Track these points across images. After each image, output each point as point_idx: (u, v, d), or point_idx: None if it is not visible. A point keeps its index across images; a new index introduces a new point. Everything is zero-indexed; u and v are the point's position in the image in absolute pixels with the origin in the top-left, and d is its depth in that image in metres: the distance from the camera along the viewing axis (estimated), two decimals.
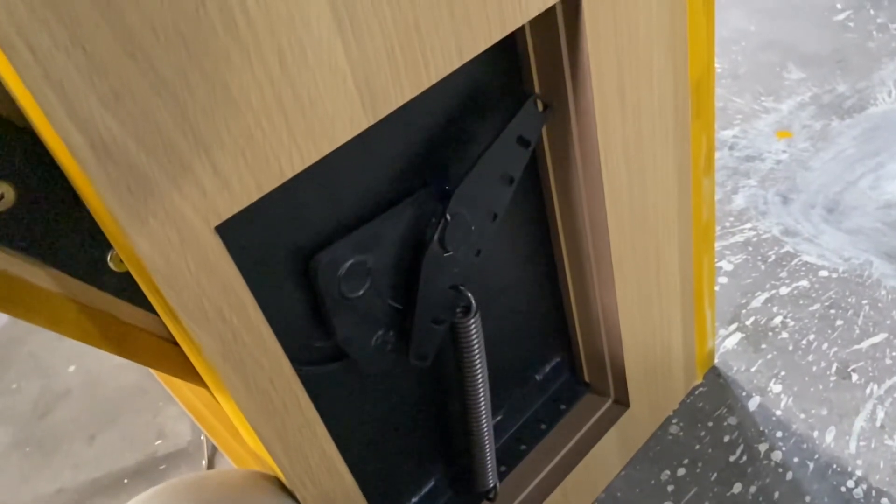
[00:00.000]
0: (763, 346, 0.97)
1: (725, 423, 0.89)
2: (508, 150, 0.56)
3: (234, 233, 0.44)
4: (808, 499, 0.80)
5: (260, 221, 0.47)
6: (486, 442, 0.68)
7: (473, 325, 0.60)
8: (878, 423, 0.85)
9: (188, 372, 0.53)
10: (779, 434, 0.86)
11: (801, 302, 1.01)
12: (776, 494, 0.81)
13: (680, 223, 0.74)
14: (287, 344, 0.46)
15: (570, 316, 0.77)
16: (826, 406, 0.88)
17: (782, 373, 0.93)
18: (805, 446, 0.85)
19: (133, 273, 0.43)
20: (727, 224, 1.16)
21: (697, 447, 0.87)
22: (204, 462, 1.01)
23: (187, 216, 0.36)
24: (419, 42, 0.42)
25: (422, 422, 0.69)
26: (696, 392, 0.93)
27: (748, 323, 1.00)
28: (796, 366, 0.93)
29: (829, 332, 0.97)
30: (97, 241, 0.45)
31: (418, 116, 0.53)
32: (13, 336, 1.32)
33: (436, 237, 0.54)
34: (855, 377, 0.91)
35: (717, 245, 1.12)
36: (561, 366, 0.82)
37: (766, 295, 1.03)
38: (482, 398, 0.64)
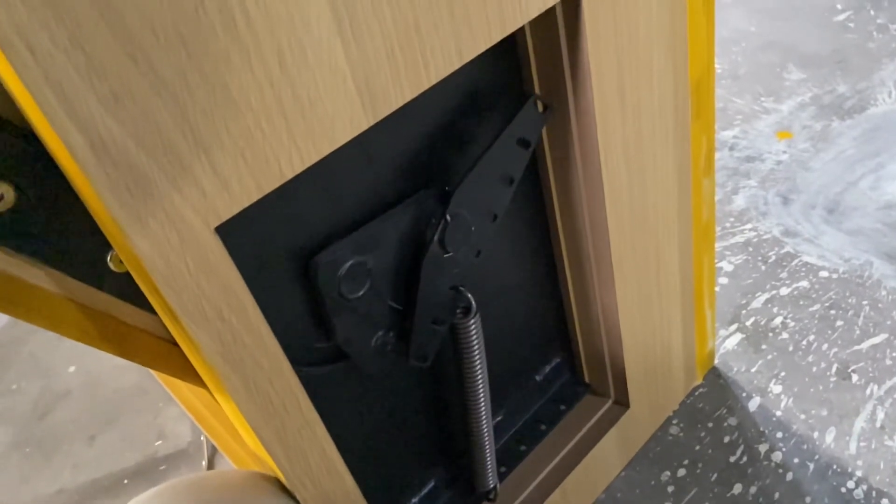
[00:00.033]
0: (763, 346, 0.97)
1: (725, 424, 0.89)
2: (508, 150, 0.56)
3: (234, 234, 0.44)
4: (808, 499, 0.80)
5: (260, 222, 0.47)
6: (486, 442, 0.68)
7: (473, 326, 0.60)
8: (878, 424, 0.85)
9: (188, 373, 0.53)
10: (779, 435, 0.86)
11: (801, 302, 1.01)
12: (776, 495, 0.81)
13: (680, 223, 0.74)
14: (287, 345, 0.46)
15: (570, 316, 0.77)
16: (826, 407, 0.88)
17: (782, 373, 0.93)
18: (805, 447, 0.85)
19: (133, 274, 0.43)
20: (727, 224, 1.16)
21: (697, 448, 0.87)
22: (204, 463, 1.01)
23: (187, 217, 0.36)
24: (419, 42, 0.42)
25: (422, 422, 0.69)
26: (697, 393, 0.93)
27: (748, 323, 1.00)
28: (796, 366, 0.93)
29: (830, 332, 0.97)
30: (97, 241, 0.45)
31: (418, 117, 0.53)
32: (13, 336, 1.32)
33: (436, 238, 0.54)
34: (855, 378, 0.91)
35: (718, 245, 1.12)
36: (561, 366, 0.82)
37: (766, 295, 1.03)
38: (482, 399, 0.64)
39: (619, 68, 0.57)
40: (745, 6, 1.68)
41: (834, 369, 0.92)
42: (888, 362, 0.91)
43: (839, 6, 1.61)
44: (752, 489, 0.82)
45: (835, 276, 1.04)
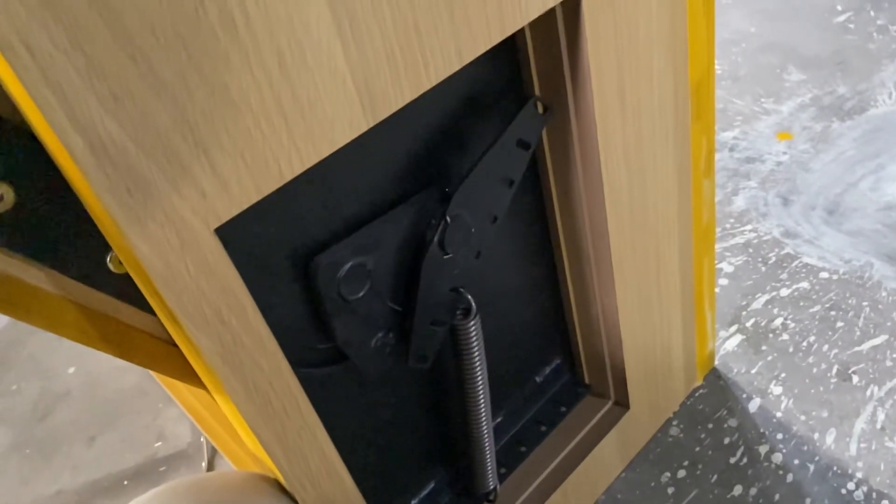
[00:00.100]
0: (763, 347, 0.96)
1: (726, 425, 0.89)
2: (508, 152, 0.56)
3: (234, 235, 0.44)
4: (808, 501, 0.80)
5: (259, 223, 0.47)
6: (486, 444, 0.68)
7: (473, 327, 0.60)
8: (878, 425, 0.85)
9: (187, 374, 0.52)
10: (779, 436, 0.86)
11: (801, 304, 1.01)
12: (776, 496, 0.81)
13: (680, 225, 0.74)
14: (286, 346, 0.46)
15: (570, 318, 0.77)
16: (826, 408, 0.88)
17: (783, 374, 0.93)
18: (805, 448, 0.85)
19: (132, 275, 0.43)
20: (727, 226, 1.16)
21: (698, 449, 0.87)
22: (204, 464, 1.01)
23: (187, 218, 0.36)
24: (419, 44, 0.42)
25: (422, 424, 0.69)
26: (697, 394, 0.93)
27: (748, 325, 1.00)
28: (797, 368, 0.93)
29: (830, 333, 0.97)
30: (96, 242, 0.45)
31: (418, 118, 0.53)
32: (13, 338, 1.32)
33: (436, 239, 0.54)
34: (855, 379, 0.90)
35: (718, 247, 1.12)
36: (561, 368, 0.82)
37: (766, 297, 1.03)
38: (482, 400, 0.64)
39: (619, 69, 0.57)
40: (746, 7, 1.68)
41: (834, 370, 0.92)
42: (888, 363, 0.91)
43: (839, 7, 1.61)
44: (753, 490, 0.82)
45: (835, 277, 1.04)
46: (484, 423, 0.66)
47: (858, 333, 0.96)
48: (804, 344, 0.96)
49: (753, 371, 0.94)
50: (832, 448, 0.84)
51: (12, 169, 0.41)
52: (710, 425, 0.89)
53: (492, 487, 0.71)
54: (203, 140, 0.35)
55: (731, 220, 1.16)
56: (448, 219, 0.54)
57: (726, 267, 1.09)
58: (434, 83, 0.44)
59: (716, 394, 0.92)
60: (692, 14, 0.62)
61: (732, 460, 0.85)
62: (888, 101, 1.33)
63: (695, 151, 0.71)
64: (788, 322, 0.99)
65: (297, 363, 0.49)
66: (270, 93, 0.37)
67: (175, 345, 0.52)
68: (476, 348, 0.61)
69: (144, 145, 0.33)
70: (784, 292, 1.03)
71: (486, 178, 0.56)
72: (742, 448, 0.86)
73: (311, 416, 0.48)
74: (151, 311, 0.49)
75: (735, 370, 0.95)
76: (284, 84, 0.37)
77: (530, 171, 0.65)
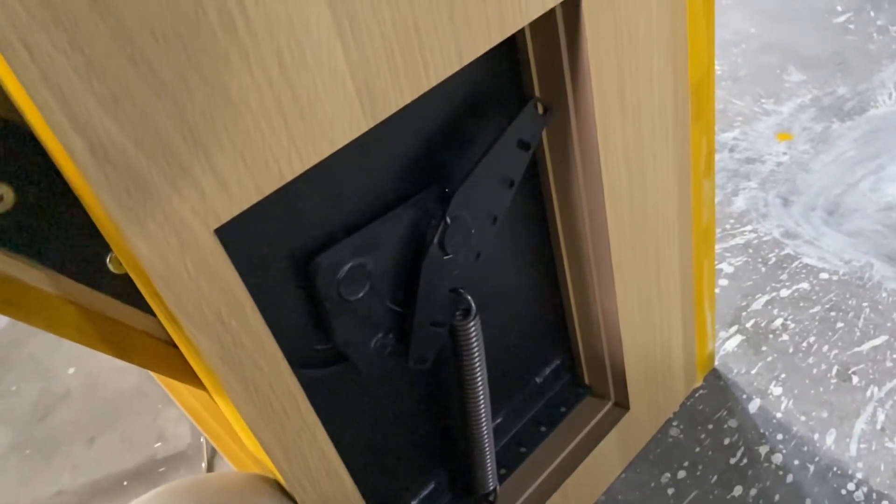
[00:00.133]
0: (763, 348, 0.96)
1: (726, 426, 0.89)
2: (509, 153, 0.56)
3: (234, 236, 0.44)
4: (808, 501, 0.79)
5: (259, 224, 0.47)
6: (486, 445, 0.68)
7: (473, 328, 0.60)
8: (878, 426, 0.85)
9: (187, 375, 0.52)
10: (779, 436, 0.86)
11: (801, 304, 1.01)
12: (777, 497, 0.81)
13: (680, 225, 0.74)
14: (286, 347, 0.46)
15: (569, 318, 0.77)
16: (826, 408, 0.88)
17: (783, 375, 0.93)
18: (805, 449, 0.84)
19: (132, 275, 0.43)
20: (727, 226, 1.16)
21: (698, 450, 0.87)
22: (203, 465, 1.01)
23: (186, 219, 0.36)
24: (419, 44, 0.42)
25: (421, 424, 0.69)
26: (697, 394, 0.93)
27: (748, 325, 1.00)
28: (797, 368, 0.93)
29: (830, 334, 0.96)
30: (96, 243, 0.45)
31: (418, 119, 0.53)
32: (13, 338, 1.31)
33: (436, 240, 0.54)
34: (855, 379, 0.90)
35: (718, 247, 1.12)
36: (561, 368, 0.82)
37: (766, 297, 1.03)
38: (482, 401, 0.64)
39: (619, 70, 0.57)
40: (746, 8, 1.68)
41: (834, 371, 0.92)
42: (888, 364, 0.91)
43: (839, 8, 1.61)
44: (753, 491, 0.82)
45: (835, 277, 1.04)
46: (484, 423, 0.66)
47: (858, 334, 0.96)
48: (804, 344, 0.96)
49: (753, 371, 0.94)
50: (832, 449, 0.84)
51: (12, 169, 0.41)
52: (710, 426, 0.89)
53: (492, 488, 0.71)
54: (203, 140, 0.35)
55: (731, 221, 1.16)
56: (448, 219, 0.54)
57: (726, 267, 1.09)
58: (434, 84, 0.44)
59: (716, 394, 0.92)
60: (692, 14, 0.62)
61: (732, 461, 0.85)
62: (888, 101, 1.33)
63: (695, 152, 0.71)
64: (788, 323, 0.99)
65: (296, 364, 0.49)
66: (270, 93, 0.37)
67: (175, 345, 0.52)
68: (476, 349, 0.61)
69: (144, 146, 0.33)
70: (784, 293, 1.03)
71: (487, 178, 0.56)
72: (742, 449, 0.86)
73: (311, 416, 0.48)
74: (151, 312, 0.49)
75: (735, 371, 0.94)
76: (284, 84, 0.37)
77: (530, 172, 0.65)
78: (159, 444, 1.06)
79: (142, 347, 0.51)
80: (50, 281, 0.45)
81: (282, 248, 0.49)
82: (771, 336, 0.98)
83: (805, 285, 1.04)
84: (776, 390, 0.91)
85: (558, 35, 0.54)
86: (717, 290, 1.05)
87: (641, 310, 0.74)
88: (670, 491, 0.83)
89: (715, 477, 0.84)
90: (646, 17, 0.57)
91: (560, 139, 0.61)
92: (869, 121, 1.30)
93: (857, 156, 1.23)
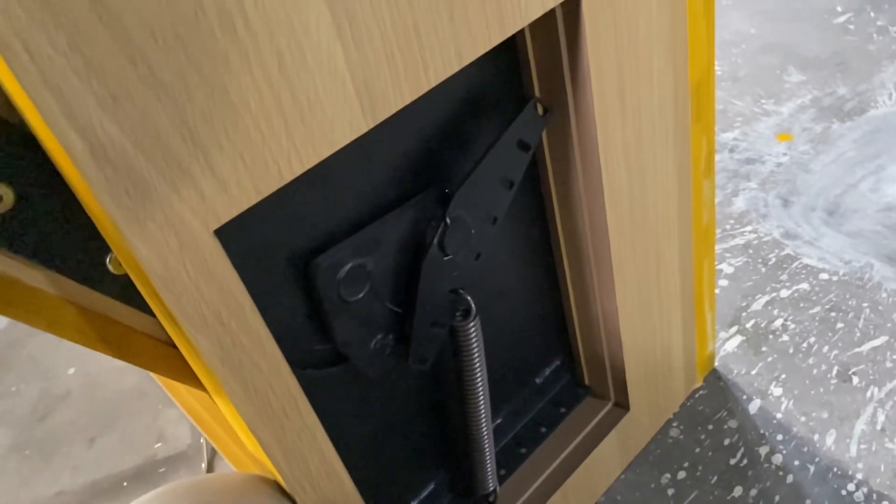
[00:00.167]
0: (763, 348, 0.96)
1: (726, 427, 0.89)
2: (508, 153, 0.56)
3: (233, 236, 0.44)
4: (808, 502, 0.79)
5: (259, 225, 0.47)
6: (486, 445, 0.68)
7: (473, 329, 0.60)
8: (878, 427, 0.85)
9: (187, 375, 0.52)
10: (779, 437, 0.86)
11: (801, 305, 1.01)
12: (777, 498, 0.81)
13: (680, 225, 0.74)
14: (286, 348, 0.46)
15: (569, 319, 0.77)
16: (827, 409, 0.88)
17: (783, 376, 0.93)
18: (806, 449, 0.84)
19: (131, 276, 0.43)
20: (727, 227, 1.16)
21: (698, 450, 0.87)
22: (203, 465, 1.01)
23: (186, 220, 0.36)
24: (418, 45, 0.42)
25: (421, 425, 0.69)
26: (697, 395, 0.93)
27: (748, 326, 1.00)
28: (797, 369, 0.93)
29: (830, 334, 0.96)
30: (96, 243, 0.45)
31: (418, 120, 0.53)
32: (13, 339, 1.31)
33: (435, 240, 0.54)
34: (855, 380, 0.90)
35: (718, 248, 1.12)
36: (561, 369, 0.82)
37: (766, 298, 1.03)
38: (482, 401, 0.64)
39: (619, 70, 0.57)
40: (746, 8, 1.68)
41: (834, 372, 0.92)
42: (888, 364, 0.91)
43: (839, 8, 1.61)
44: (753, 492, 0.82)
45: (835, 278, 1.04)
46: (484, 424, 0.66)
47: (858, 334, 0.96)
48: (804, 345, 0.96)
49: (753, 372, 0.94)
50: (832, 449, 0.84)
51: (12, 170, 0.41)
52: (710, 426, 0.89)
53: (491, 489, 0.71)
54: (202, 141, 0.35)
55: (731, 221, 1.16)
56: (448, 220, 0.54)
57: (726, 268, 1.09)
58: (434, 84, 0.44)
59: (716, 395, 0.92)
60: (692, 14, 0.62)
61: (732, 461, 0.85)
62: (888, 102, 1.33)
63: (695, 152, 0.71)
64: (788, 323, 0.99)
65: (296, 364, 0.49)
66: (270, 94, 0.37)
67: (174, 346, 0.52)
68: (476, 349, 0.61)
69: (144, 147, 0.33)
70: (784, 293, 1.03)
71: (487, 179, 0.56)
72: (742, 449, 0.86)
73: (311, 417, 0.48)
74: (151, 313, 0.49)
75: (735, 371, 0.94)
76: (284, 85, 0.37)
77: (530, 173, 0.65)
78: (159, 444, 1.06)
79: (141, 348, 0.51)
80: (50, 281, 0.45)
81: (281, 249, 0.49)
82: (771, 336, 0.98)
83: (805, 286, 1.04)
84: (776, 391, 0.91)
85: (558, 35, 0.54)
86: (717, 291, 1.05)
87: (641, 310, 0.74)
88: (670, 492, 0.83)
89: (715, 477, 0.84)
90: (646, 17, 0.57)
91: (560, 140, 0.61)
92: (869, 121, 1.30)
93: (857, 156, 1.23)
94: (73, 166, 0.32)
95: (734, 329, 1.00)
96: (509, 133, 0.55)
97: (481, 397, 0.64)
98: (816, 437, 0.85)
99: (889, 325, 0.96)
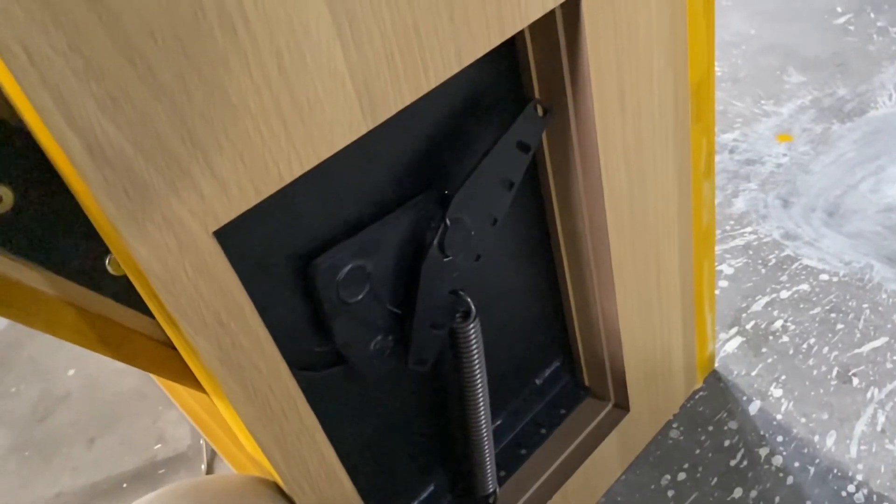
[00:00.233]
0: (763, 350, 0.96)
1: (726, 428, 0.88)
2: (508, 154, 0.56)
3: (233, 237, 0.44)
4: (808, 503, 0.79)
5: (258, 226, 0.46)
6: (486, 447, 0.68)
7: (473, 330, 0.60)
8: (878, 428, 0.85)
9: (186, 376, 0.52)
10: (779, 438, 0.86)
11: (801, 306, 1.01)
12: (777, 499, 0.80)
13: (680, 226, 0.74)
14: (285, 349, 0.46)
15: (569, 320, 0.77)
16: (827, 410, 0.88)
17: (783, 377, 0.93)
18: (806, 451, 0.84)
19: (131, 277, 0.43)
20: (727, 228, 1.16)
21: (698, 451, 0.87)
22: (203, 467, 1.01)
23: (185, 221, 0.36)
24: (418, 46, 0.42)
25: (421, 427, 0.69)
26: (697, 396, 0.93)
27: (748, 327, 1.00)
28: (797, 370, 0.93)
29: (830, 335, 0.96)
30: (95, 245, 0.45)
31: (418, 121, 0.53)
32: (12, 340, 1.31)
33: (435, 242, 0.54)
34: (856, 381, 0.90)
35: (718, 249, 1.12)
36: (561, 370, 0.82)
37: (766, 299, 1.03)
38: (482, 403, 0.64)
39: (619, 71, 0.57)
40: (746, 9, 1.68)
41: (834, 373, 0.92)
42: (889, 366, 0.91)
43: (839, 9, 1.61)
44: (753, 493, 0.81)
45: (835, 279, 1.04)
46: (483, 425, 0.66)
47: (858, 335, 0.95)
48: (804, 346, 0.96)
49: (753, 373, 0.94)
50: (832, 450, 0.84)
51: (11, 171, 0.41)
52: (711, 428, 0.89)
53: (491, 490, 0.71)
54: (202, 142, 0.35)
55: (731, 222, 1.16)
56: (448, 221, 0.54)
57: (726, 269, 1.09)
58: (434, 85, 0.44)
59: (716, 396, 0.92)
60: (692, 15, 0.62)
61: (732, 463, 0.85)
62: (888, 102, 1.33)
63: (695, 153, 0.71)
64: (788, 324, 0.99)
65: (295, 366, 0.49)
66: (270, 95, 0.36)
67: (174, 347, 0.52)
68: (475, 351, 0.61)
69: (143, 147, 0.33)
70: (784, 294, 1.03)
71: (486, 180, 0.56)
72: (742, 450, 0.86)
73: (310, 418, 0.48)
74: (150, 314, 0.49)
75: (735, 372, 0.94)
76: (284, 86, 0.37)
77: (530, 174, 0.65)
78: (159, 445, 1.06)
79: (141, 349, 0.51)
80: (49, 283, 0.45)
81: (281, 250, 0.49)
82: (771, 338, 0.98)
83: (805, 287, 1.04)
84: (776, 392, 0.91)
85: (558, 37, 0.54)
86: (717, 292, 1.05)
87: (641, 311, 0.74)
88: (670, 493, 0.83)
89: (715, 479, 0.84)
90: (646, 18, 0.57)
91: (560, 141, 0.61)
92: (869, 122, 1.30)
93: (857, 157, 1.23)
94: (71, 167, 0.32)
95: (734, 330, 1.00)
96: (509, 134, 0.55)
97: (481, 398, 0.64)
98: (816, 438, 0.85)
99: (889, 326, 0.96)
